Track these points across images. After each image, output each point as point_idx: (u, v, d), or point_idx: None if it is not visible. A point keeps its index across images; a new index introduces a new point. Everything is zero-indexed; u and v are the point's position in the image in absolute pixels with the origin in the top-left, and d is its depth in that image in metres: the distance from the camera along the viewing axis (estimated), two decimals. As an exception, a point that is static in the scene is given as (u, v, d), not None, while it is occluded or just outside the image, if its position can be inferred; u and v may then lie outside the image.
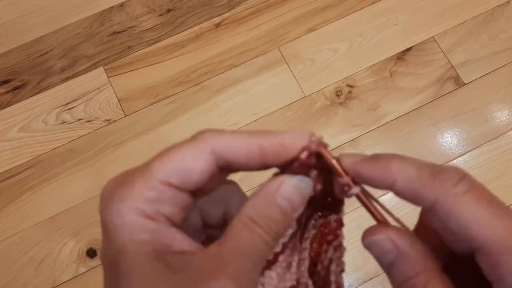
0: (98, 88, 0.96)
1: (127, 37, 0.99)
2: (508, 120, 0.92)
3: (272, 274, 0.21)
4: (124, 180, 0.20)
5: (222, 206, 0.24)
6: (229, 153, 0.21)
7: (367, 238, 0.21)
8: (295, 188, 0.21)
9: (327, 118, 0.93)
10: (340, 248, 0.23)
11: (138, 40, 0.99)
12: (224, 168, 0.21)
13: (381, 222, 0.21)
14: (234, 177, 0.22)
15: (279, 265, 0.21)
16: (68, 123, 0.94)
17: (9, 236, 0.87)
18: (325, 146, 0.22)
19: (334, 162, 0.21)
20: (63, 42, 0.99)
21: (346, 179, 0.21)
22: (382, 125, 0.92)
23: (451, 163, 0.90)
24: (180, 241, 0.20)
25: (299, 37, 0.98)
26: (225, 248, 0.19)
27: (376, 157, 0.21)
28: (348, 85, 0.95)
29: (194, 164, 0.20)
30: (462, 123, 0.92)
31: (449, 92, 0.94)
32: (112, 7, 1.01)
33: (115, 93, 0.95)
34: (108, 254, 0.19)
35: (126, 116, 0.94)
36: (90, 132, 0.93)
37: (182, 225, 0.21)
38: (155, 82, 0.96)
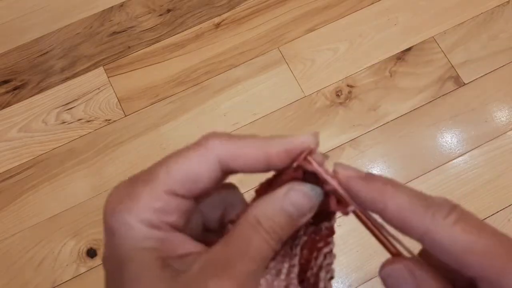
0: (98, 88, 0.96)
1: (127, 37, 0.99)
2: (508, 120, 0.92)
3: (261, 281, 0.20)
4: (129, 190, 0.20)
5: (221, 209, 0.24)
6: (236, 161, 0.21)
7: (384, 268, 0.21)
8: (304, 195, 0.21)
9: (327, 118, 0.93)
10: (330, 256, 0.23)
11: (138, 40, 0.99)
12: (227, 173, 0.21)
13: (383, 242, 0.21)
14: (233, 178, 0.22)
15: (268, 271, 0.21)
16: (68, 123, 0.94)
17: (9, 236, 0.87)
18: (322, 159, 0.22)
19: (329, 178, 0.21)
20: (63, 42, 0.99)
21: (337, 188, 0.21)
22: (382, 125, 0.92)
23: (451, 163, 0.90)
24: (184, 244, 0.20)
25: (299, 37, 0.98)
26: (229, 248, 0.19)
27: (371, 177, 0.21)
28: (348, 85, 0.95)
29: (200, 173, 0.20)
30: (462, 123, 0.92)
31: (449, 92, 0.94)
32: (112, 7, 1.01)
33: (115, 93, 0.95)
34: (113, 260, 0.20)
35: (126, 116, 0.94)
36: (90, 132, 0.93)
37: (184, 228, 0.21)
38: (155, 82, 0.96)
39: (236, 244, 0.19)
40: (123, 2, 1.02)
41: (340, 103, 0.94)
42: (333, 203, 0.22)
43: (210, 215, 0.24)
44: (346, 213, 0.21)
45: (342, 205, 0.21)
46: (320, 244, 0.22)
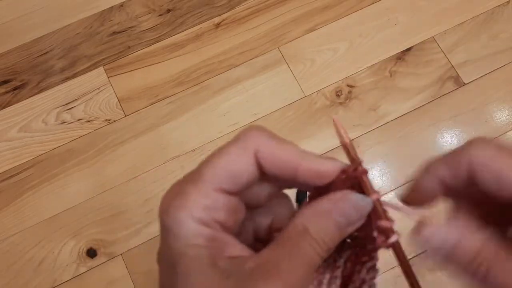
0: (98, 88, 0.96)
1: (127, 37, 0.99)
2: (508, 120, 0.92)
3: None
4: (179, 190, 0.21)
5: (270, 218, 0.24)
6: (267, 160, 0.21)
7: (420, 234, 0.21)
8: (353, 205, 0.21)
9: (327, 118, 0.93)
10: (373, 270, 0.23)
11: (138, 40, 0.99)
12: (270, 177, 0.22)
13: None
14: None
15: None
16: (68, 123, 0.94)
17: (9, 236, 0.87)
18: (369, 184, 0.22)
19: (374, 198, 0.21)
20: (63, 42, 0.99)
21: (387, 223, 0.21)
22: (382, 125, 0.92)
23: (451, 163, 0.90)
24: (233, 246, 0.20)
25: (299, 37, 0.98)
26: (277, 253, 0.19)
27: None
28: (348, 85, 0.95)
29: (240, 167, 0.21)
30: (462, 123, 0.92)
31: (449, 92, 0.94)
32: (112, 7, 1.01)
33: (115, 93, 0.95)
34: (167, 257, 0.21)
35: (126, 116, 0.94)
36: (90, 132, 0.93)
37: (235, 233, 0.22)
38: (155, 82, 0.96)
39: (284, 249, 0.20)
40: (123, 2, 1.01)
41: (340, 103, 0.94)
42: (379, 239, 0.22)
43: (260, 223, 0.24)
44: (388, 246, 0.21)
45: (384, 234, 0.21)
46: (364, 258, 0.22)
